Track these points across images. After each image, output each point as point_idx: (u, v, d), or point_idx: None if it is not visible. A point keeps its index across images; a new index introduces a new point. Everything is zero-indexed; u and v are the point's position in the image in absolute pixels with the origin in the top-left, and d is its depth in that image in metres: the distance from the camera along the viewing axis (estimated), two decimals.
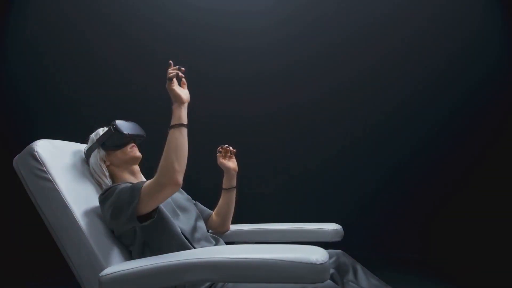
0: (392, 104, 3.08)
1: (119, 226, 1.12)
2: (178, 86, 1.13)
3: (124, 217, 1.07)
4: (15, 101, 3.10)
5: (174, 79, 1.12)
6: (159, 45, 3.10)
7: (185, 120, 1.11)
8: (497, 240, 2.74)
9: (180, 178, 1.05)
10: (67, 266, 1.14)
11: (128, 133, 1.31)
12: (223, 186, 1.46)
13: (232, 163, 1.45)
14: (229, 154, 1.45)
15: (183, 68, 1.15)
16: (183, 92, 1.14)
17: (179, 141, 1.08)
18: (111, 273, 0.91)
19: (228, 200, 1.46)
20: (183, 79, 1.16)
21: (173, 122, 1.10)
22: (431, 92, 3.04)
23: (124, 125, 1.32)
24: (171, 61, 1.17)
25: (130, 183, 1.24)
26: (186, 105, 1.13)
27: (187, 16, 3.11)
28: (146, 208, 1.06)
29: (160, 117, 2.96)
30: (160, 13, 3.12)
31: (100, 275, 0.92)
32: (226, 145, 1.45)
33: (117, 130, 1.29)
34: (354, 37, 3.08)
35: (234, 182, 1.46)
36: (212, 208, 1.52)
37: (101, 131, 1.36)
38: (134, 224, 1.08)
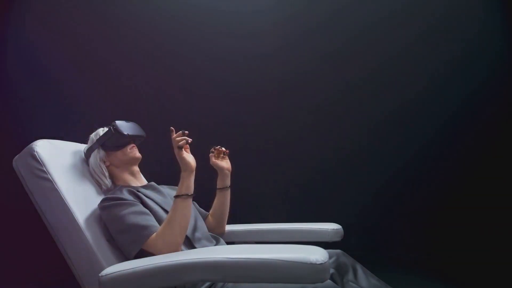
0: (392, 105, 3.07)
1: (117, 241, 1.14)
2: (186, 153, 1.15)
3: (123, 246, 1.11)
4: (15, 101, 3.10)
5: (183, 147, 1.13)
6: (159, 45, 3.10)
7: (192, 190, 1.13)
8: (497, 240, 2.74)
9: (180, 246, 1.10)
10: (67, 266, 1.14)
11: (128, 134, 1.31)
12: (217, 186, 1.46)
13: (225, 163, 1.45)
14: (222, 155, 1.45)
15: (186, 132, 1.16)
16: (191, 158, 1.15)
17: (186, 211, 1.11)
18: (111, 273, 0.91)
19: (223, 200, 1.46)
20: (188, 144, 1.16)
21: (181, 191, 1.12)
22: (431, 93, 3.04)
23: (124, 126, 1.32)
24: (172, 128, 1.18)
25: (132, 189, 1.24)
26: (193, 172, 1.14)
27: (187, 16, 3.11)
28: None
29: (160, 117, 2.97)
30: (160, 13, 3.11)
31: (100, 275, 0.92)
32: (219, 146, 1.45)
33: (117, 130, 1.30)
34: (354, 39, 3.08)
35: (228, 182, 1.46)
36: (207, 210, 1.52)
37: (101, 131, 1.36)
38: (129, 255, 1.11)
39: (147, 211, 1.18)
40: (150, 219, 1.14)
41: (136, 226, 1.09)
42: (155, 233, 1.08)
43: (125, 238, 1.10)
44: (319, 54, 3.12)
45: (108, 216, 1.13)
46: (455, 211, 2.94)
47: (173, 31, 3.10)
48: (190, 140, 1.14)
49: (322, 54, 3.12)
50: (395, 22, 3.04)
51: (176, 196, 1.11)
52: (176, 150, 1.12)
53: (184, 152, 1.13)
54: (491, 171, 2.89)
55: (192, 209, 1.35)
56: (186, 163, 1.12)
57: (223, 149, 1.45)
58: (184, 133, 1.15)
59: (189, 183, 1.12)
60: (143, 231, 1.08)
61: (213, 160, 1.43)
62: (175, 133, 1.16)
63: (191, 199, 1.12)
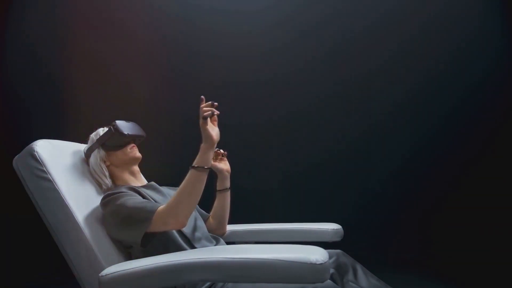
0: (392, 105, 3.08)
1: (119, 235, 1.13)
2: (211, 125, 1.08)
3: (131, 231, 1.08)
4: (15, 101, 3.10)
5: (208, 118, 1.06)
6: (159, 45, 3.10)
7: (209, 164, 1.07)
8: (497, 240, 2.74)
9: (186, 220, 1.07)
10: (67, 266, 1.14)
11: (128, 134, 1.31)
12: (217, 188, 1.46)
13: (224, 165, 1.44)
14: (220, 156, 1.45)
15: (216, 103, 1.09)
16: (215, 132, 1.09)
17: (199, 184, 1.06)
18: (111, 273, 0.91)
19: (223, 202, 1.46)
20: (215, 115, 1.10)
21: (198, 163, 1.06)
22: (430, 93, 3.04)
23: (124, 126, 1.32)
24: (203, 97, 1.10)
25: (132, 187, 1.24)
26: (214, 146, 1.08)
27: (187, 17, 3.11)
28: (151, 231, 1.08)
29: (159, 117, 2.98)
30: (161, 13, 3.11)
31: (100, 275, 0.92)
32: (217, 148, 1.44)
33: (117, 130, 1.30)
34: (353, 39, 3.08)
35: (227, 183, 1.45)
36: (208, 211, 1.52)
37: (101, 131, 1.36)
38: (134, 243, 1.09)
39: (150, 199, 1.19)
40: (153, 201, 1.15)
41: (139, 206, 1.09)
42: (162, 206, 1.07)
43: (131, 221, 1.08)
44: (318, 54, 3.12)
45: (110, 208, 1.13)
46: (455, 211, 2.94)
47: (173, 31, 3.10)
48: (216, 112, 1.09)
49: (320, 54, 3.12)
50: (394, 21, 3.04)
51: (192, 167, 1.06)
52: (200, 121, 1.06)
53: (208, 123, 1.06)
54: (491, 171, 2.89)
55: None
56: (208, 135, 1.06)
57: (221, 151, 1.45)
58: (214, 104, 1.09)
59: (207, 157, 1.07)
60: (148, 207, 1.08)
61: (212, 162, 1.43)
62: (205, 103, 1.10)
63: (206, 173, 1.07)
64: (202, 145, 1.07)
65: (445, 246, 2.92)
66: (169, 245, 1.15)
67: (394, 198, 3.07)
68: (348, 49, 3.10)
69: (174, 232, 1.17)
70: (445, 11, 2.99)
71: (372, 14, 3.06)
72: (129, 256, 1.19)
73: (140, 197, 1.18)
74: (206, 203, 1.53)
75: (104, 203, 1.16)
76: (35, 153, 1.18)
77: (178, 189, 1.07)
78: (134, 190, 1.23)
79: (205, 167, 1.06)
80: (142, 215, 1.06)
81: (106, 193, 1.19)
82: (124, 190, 1.19)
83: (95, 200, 1.24)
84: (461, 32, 2.98)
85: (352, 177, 3.12)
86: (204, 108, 1.08)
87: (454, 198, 2.98)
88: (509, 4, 2.94)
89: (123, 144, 1.32)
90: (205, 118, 1.05)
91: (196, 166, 1.06)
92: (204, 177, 1.07)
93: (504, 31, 2.95)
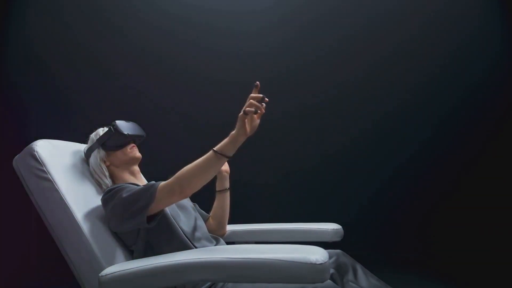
0: (392, 105, 3.08)
1: (123, 224, 1.11)
2: (252, 117, 1.03)
3: (135, 214, 1.07)
4: (15, 101, 3.10)
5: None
6: (159, 45, 3.10)
7: (231, 154, 1.01)
8: (497, 240, 2.74)
9: (190, 193, 1.06)
10: (67, 266, 1.14)
11: (128, 133, 1.31)
12: (217, 189, 1.46)
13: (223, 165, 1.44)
14: None
15: (267, 99, 1.01)
16: (253, 125, 1.03)
17: (212, 169, 1.03)
18: (111, 273, 0.91)
19: (222, 202, 1.46)
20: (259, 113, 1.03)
21: (220, 149, 1.01)
22: (430, 92, 3.04)
23: (124, 125, 1.33)
24: (258, 83, 1.03)
25: (132, 183, 1.24)
26: (244, 139, 1.02)
27: (187, 16, 3.11)
28: (156, 208, 1.08)
29: (160, 117, 2.97)
30: (160, 14, 3.11)
31: (100, 275, 0.92)
32: None
33: (117, 130, 1.30)
34: (353, 39, 3.08)
35: (227, 184, 1.45)
36: (207, 212, 1.52)
37: (101, 131, 1.36)
38: (141, 224, 1.08)
39: None
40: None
41: (143, 187, 1.10)
42: (161, 183, 1.08)
43: (136, 199, 1.07)
44: (319, 54, 3.12)
45: (113, 199, 1.13)
46: (455, 211, 2.94)
47: (172, 31, 3.10)
48: (261, 111, 1.01)
49: (321, 53, 3.12)
50: (394, 21, 3.04)
51: (213, 150, 1.01)
52: (241, 112, 1.00)
53: (248, 117, 1.00)
54: (491, 171, 2.89)
55: (192, 209, 1.36)
56: (242, 127, 1.00)
57: None
58: (264, 99, 1.02)
59: (233, 146, 1.00)
60: (150, 184, 1.09)
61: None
62: (258, 92, 1.03)
63: (224, 161, 1.02)
64: (233, 133, 1.01)
65: (445, 246, 2.92)
66: (173, 241, 1.15)
67: (394, 198, 3.07)
68: (348, 49, 3.10)
69: (178, 228, 1.17)
70: (445, 11, 2.99)
71: (372, 15, 3.06)
72: (129, 256, 1.19)
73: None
74: (206, 203, 1.53)
75: (104, 199, 1.17)
76: (35, 153, 1.19)
77: (191, 164, 1.04)
78: None
79: (227, 155, 1.00)
80: (147, 191, 1.07)
81: (106, 189, 1.20)
82: (124, 184, 1.20)
83: (95, 200, 1.24)
84: (461, 32, 2.98)
85: (352, 177, 3.12)
86: (251, 101, 1.01)
87: (454, 198, 2.98)
88: (509, 4, 2.93)
89: (123, 144, 1.32)
90: (246, 113, 1.00)
91: (217, 151, 1.01)
92: (221, 164, 1.02)
93: (504, 31, 2.95)
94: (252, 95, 1.02)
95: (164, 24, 3.10)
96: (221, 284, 1.11)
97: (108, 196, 1.16)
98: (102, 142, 1.31)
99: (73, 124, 2.90)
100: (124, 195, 1.11)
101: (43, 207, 1.16)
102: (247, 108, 1.00)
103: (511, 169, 2.85)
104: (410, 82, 3.06)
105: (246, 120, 1.00)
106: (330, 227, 1.42)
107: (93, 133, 1.37)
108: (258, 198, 3.04)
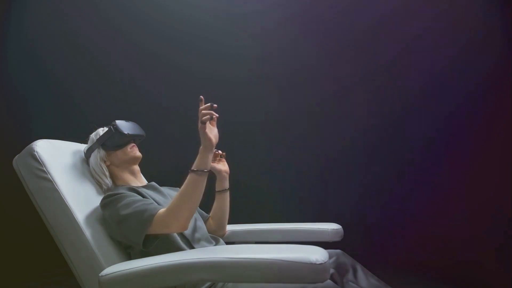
0: (392, 105, 3.07)
1: (121, 237, 1.13)
2: (210, 127, 1.08)
3: (132, 234, 1.08)
4: (15, 101, 3.10)
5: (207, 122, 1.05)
6: (159, 45, 3.10)
7: (208, 167, 1.07)
8: (497, 240, 2.73)
9: (188, 223, 1.07)
10: (67, 266, 1.14)
11: (128, 133, 1.31)
12: (216, 189, 1.45)
13: (222, 166, 1.44)
14: (218, 158, 1.45)
15: (215, 105, 1.07)
16: (213, 134, 1.09)
17: (199, 187, 1.06)
18: (111, 273, 0.91)
19: (222, 203, 1.46)
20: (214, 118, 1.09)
21: (197, 166, 1.06)
22: (431, 93, 3.04)
23: (124, 125, 1.33)
24: (202, 97, 1.10)
25: (132, 187, 1.24)
26: (213, 149, 1.08)
27: (188, 16, 3.12)
28: (151, 233, 1.08)
29: (160, 117, 2.97)
30: (161, 13, 3.12)
31: (100, 275, 0.92)
32: (215, 149, 1.44)
33: (117, 130, 1.30)
34: (353, 39, 3.08)
35: (226, 184, 1.45)
36: (207, 212, 1.52)
37: (101, 131, 1.36)
38: (136, 244, 1.09)
39: (150, 199, 1.19)
40: (154, 203, 1.14)
41: (140, 208, 1.09)
42: (163, 208, 1.07)
43: (131, 223, 1.08)
44: (319, 54, 3.12)
45: (111, 210, 1.13)
46: (455, 211, 2.94)
47: (173, 31, 3.10)
48: (215, 116, 1.08)
49: (321, 53, 3.12)
50: (394, 21, 3.04)
51: (191, 171, 1.06)
52: (199, 124, 1.05)
53: (207, 127, 1.06)
54: (491, 171, 2.88)
55: None
56: (207, 139, 1.06)
57: (220, 152, 1.45)
58: (213, 106, 1.07)
59: (206, 160, 1.07)
60: (149, 209, 1.08)
61: (210, 163, 1.43)
62: (204, 104, 1.08)
63: (206, 176, 1.07)
64: (201, 148, 1.07)
65: (445, 246, 2.92)
66: (169, 246, 1.15)
67: (394, 198, 3.07)
68: (347, 50, 3.10)
69: (173, 237, 1.17)
70: (445, 11, 2.99)
71: (372, 15, 3.06)
72: (129, 256, 1.19)
73: (140, 198, 1.17)
74: (206, 204, 1.53)
75: (104, 204, 1.16)
76: (35, 153, 1.19)
77: (179, 192, 1.07)
78: (134, 190, 1.23)
79: (205, 170, 1.06)
80: (143, 218, 1.06)
81: (106, 194, 1.19)
82: (123, 191, 1.19)
83: (95, 200, 1.24)
84: (461, 32, 2.98)
85: (352, 177, 3.12)
86: (203, 111, 1.06)
87: (454, 198, 2.98)
88: (509, 4, 2.93)
89: (123, 143, 1.32)
90: (203, 122, 1.05)
91: (195, 169, 1.06)
92: (204, 180, 1.07)
93: (504, 31, 2.95)
94: (200, 107, 1.07)
95: (165, 24, 3.11)
96: (221, 284, 1.11)
97: (107, 203, 1.16)
98: (102, 142, 1.31)
99: (73, 124, 2.90)
100: (123, 212, 1.10)
101: (43, 207, 1.16)
102: (203, 118, 1.05)
103: (511, 169, 2.84)
104: (410, 83, 3.06)
105: (207, 131, 1.05)
106: (330, 227, 1.42)
107: (93, 133, 1.37)
108: (258, 198, 3.04)
